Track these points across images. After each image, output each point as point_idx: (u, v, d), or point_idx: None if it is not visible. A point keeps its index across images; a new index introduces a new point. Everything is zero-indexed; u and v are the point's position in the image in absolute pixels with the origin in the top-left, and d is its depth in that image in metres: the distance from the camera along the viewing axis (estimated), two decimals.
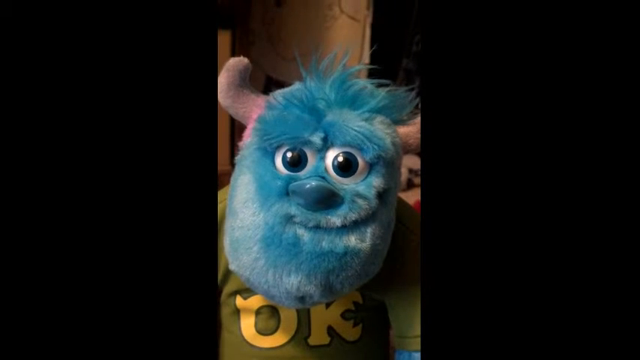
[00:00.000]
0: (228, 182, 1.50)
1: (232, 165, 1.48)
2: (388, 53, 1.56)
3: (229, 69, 0.40)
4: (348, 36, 1.60)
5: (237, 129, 1.25)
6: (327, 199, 0.33)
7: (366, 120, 0.35)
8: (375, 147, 0.34)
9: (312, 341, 0.45)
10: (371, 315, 0.47)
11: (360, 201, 0.34)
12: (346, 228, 0.34)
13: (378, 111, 0.36)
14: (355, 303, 0.45)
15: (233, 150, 1.28)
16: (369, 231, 0.34)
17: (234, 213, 0.37)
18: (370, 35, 1.60)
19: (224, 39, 1.20)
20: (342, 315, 0.45)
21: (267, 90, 1.74)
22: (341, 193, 0.34)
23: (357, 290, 0.41)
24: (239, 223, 0.35)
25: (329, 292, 0.35)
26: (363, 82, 0.39)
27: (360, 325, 0.46)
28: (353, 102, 0.37)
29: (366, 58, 1.64)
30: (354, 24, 1.60)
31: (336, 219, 0.34)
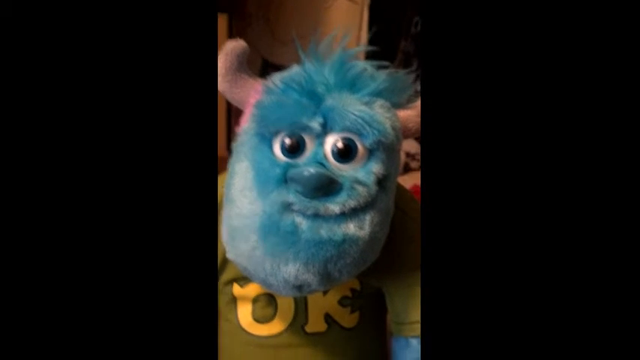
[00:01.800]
0: (225, 168, 1.50)
1: (229, 151, 1.47)
2: (386, 35, 1.54)
3: (227, 53, 0.39)
4: (346, 18, 1.58)
5: (233, 114, 1.24)
6: (325, 187, 0.33)
7: (366, 104, 0.35)
8: (375, 132, 0.34)
9: (309, 328, 0.45)
10: (368, 302, 0.47)
11: (359, 188, 0.34)
12: (345, 215, 0.33)
13: (377, 94, 0.35)
14: (352, 290, 0.45)
15: (230, 135, 1.27)
16: (368, 218, 0.34)
17: (231, 201, 0.36)
18: (368, 17, 1.58)
19: (221, 22, 1.18)
20: (340, 302, 0.45)
21: (263, 73, 1.73)
22: (340, 180, 0.33)
23: (354, 277, 0.41)
24: (237, 211, 0.35)
25: (327, 280, 0.34)
26: (363, 65, 0.38)
27: (358, 312, 0.46)
28: (352, 85, 0.36)
29: (364, 41, 1.62)
30: (352, 6, 1.58)
31: (334, 206, 0.33)
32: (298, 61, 0.39)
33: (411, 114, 0.38)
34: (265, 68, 1.54)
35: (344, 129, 0.34)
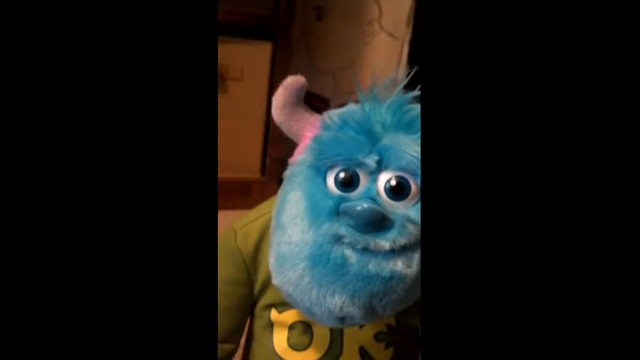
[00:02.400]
0: (258, 191, 1.51)
1: (263, 174, 1.49)
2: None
3: (286, 87, 0.40)
4: (386, 52, 1.61)
5: (270, 140, 1.27)
6: (377, 222, 0.33)
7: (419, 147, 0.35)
8: None
9: None
10: (403, 338, 0.46)
11: (410, 226, 0.34)
12: (394, 252, 0.33)
13: None
14: (388, 325, 0.45)
15: (265, 160, 1.29)
16: (417, 257, 0.34)
17: (282, 228, 0.36)
18: (408, 52, 1.60)
19: (265, 50, 1.21)
20: (375, 336, 0.44)
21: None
22: (391, 217, 0.34)
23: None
24: (287, 239, 0.35)
25: (370, 314, 0.34)
26: (419, 108, 0.38)
27: (392, 348, 0.45)
28: (409, 127, 0.36)
29: (401, 76, 1.63)
30: (393, 41, 1.60)
31: (385, 242, 0.33)
32: (337, 91, 0.41)
33: None
34: (305, 97, 1.57)
35: (399, 168, 0.34)
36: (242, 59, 1.20)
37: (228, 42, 1.16)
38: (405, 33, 1.61)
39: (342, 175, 0.35)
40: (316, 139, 0.37)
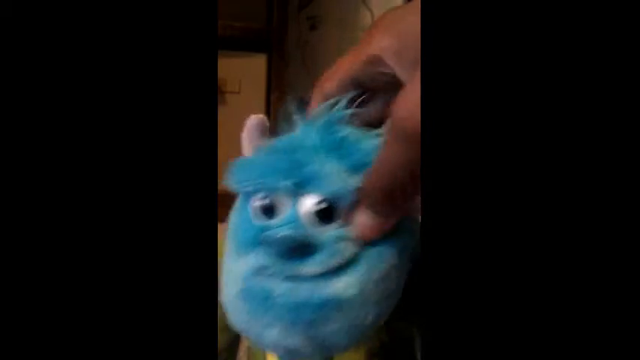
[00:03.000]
0: None
1: None
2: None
3: (248, 129, 0.38)
4: None
5: None
6: (300, 248, 0.31)
7: (347, 171, 0.33)
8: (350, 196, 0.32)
9: None
10: (403, 354, 0.43)
11: (342, 244, 0.32)
12: (329, 275, 0.31)
13: (363, 164, 0.33)
14: (382, 343, 0.42)
15: None
16: (356, 277, 0.32)
17: (224, 265, 0.35)
18: None
19: (260, 62, 1.22)
20: (370, 358, 0.42)
21: (302, 111, 1.74)
22: (318, 241, 0.31)
23: (384, 325, 0.39)
24: (225, 279, 0.34)
25: (320, 346, 0.32)
26: (351, 130, 0.35)
27: None
28: (339, 149, 0.34)
29: None
30: None
31: (314, 267, 0.31)
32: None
33: None
34: (304, 106, 1.57)
35: (324, 192, 0.32)
36: (239, 72, 1.21)
37: (225, 56, 1.17)
38: None
39: (259, 202, 0.33)
40: (234, 163, 0.34)
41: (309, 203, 0.33)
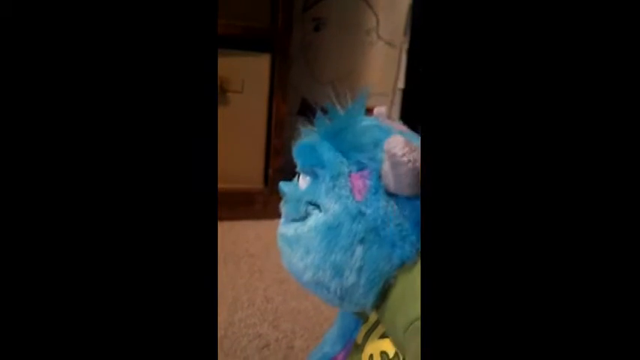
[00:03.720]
0: (261, 201, 1.51)
1: (265, 184, 1.49)
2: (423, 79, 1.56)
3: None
4: (384, 61, 1.62)
5: (272, 150, 1.27)
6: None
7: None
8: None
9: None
10: None
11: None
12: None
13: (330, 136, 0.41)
14: (382, 353, 0.44)
15: (267, 171, 1.30)
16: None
17: None
18: (407, 60, 1.61)
19: (264, 61, 1.23)
20: (380, 355, 0.44)
21: (302, 111, 1.77)
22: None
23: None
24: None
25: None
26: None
27: None
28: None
29: (401, 84, 1.64)
30: (391, 49, 1.62)
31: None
32: (334, 99, 0.42)
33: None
34: (304, 107, 1.58)
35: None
36: (242, 72, 1.21)
37: (228, 55, 1.17)
38: (402, 41, 1.62)
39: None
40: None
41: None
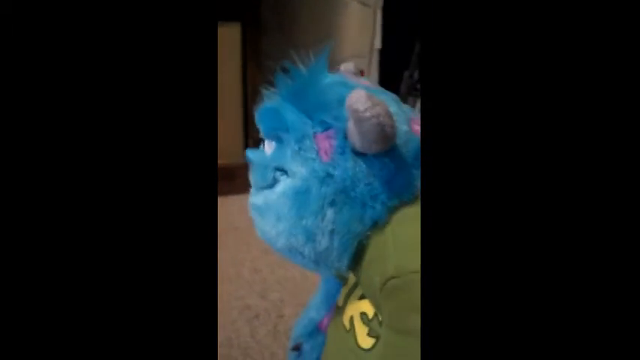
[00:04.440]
0: (241, 175, 1.49)
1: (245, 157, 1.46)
2: (400, 38, 1.54)
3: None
4: (359, 21, 1.59)
5: (250, 121, 1.25)
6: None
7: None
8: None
9: (344, 319, 0.46)
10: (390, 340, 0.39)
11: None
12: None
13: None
14: (362, 313, 0.44)
15: (247, 143, 1.28)
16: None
17: None
18: (382, 19, 1.58)
19: (234, 31, 1.19)
20: (360, 316, 0.44)
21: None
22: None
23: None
24: None
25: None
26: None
27: (374, 340, 0.42)
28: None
29: (378, 44, 1.62)
30: (365, 9, 1.58)
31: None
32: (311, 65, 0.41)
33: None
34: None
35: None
36: None
37: None
38: (376, 0, 1.59)
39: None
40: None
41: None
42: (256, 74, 1.21)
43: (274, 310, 0.85)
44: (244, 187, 1.44)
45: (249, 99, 1.23)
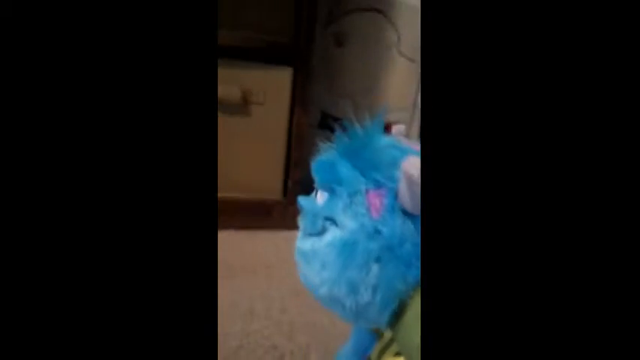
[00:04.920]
0: (279, 212, 1.51)
1: (284, 195, 1.50)
2: None
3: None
4: (405, 76, 1.62)
5: (291, 162, 1.28)
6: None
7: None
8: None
9: None
10: None
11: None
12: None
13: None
14: None
15: (286, 182, 1.31)
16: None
17: None
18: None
19: (286, 75, 1.24)
20: None
21: (322, 125, 1.77)
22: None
23: None
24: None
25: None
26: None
27: None
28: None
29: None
30: (412, 65, 1.62)
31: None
32: (357, 114, 0.43)
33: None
34: (324, 119, 1.59)
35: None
36: (264, 84, 1.23)
37: (251, 67, 1.20)
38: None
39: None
40: None
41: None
42: (302, 118, 1.26)
43: (300, 353, 0.84)
44: (280, 224, 1.46)
45: (292, 140, 1.26)
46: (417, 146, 0.44)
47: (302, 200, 0.44)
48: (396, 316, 0.40)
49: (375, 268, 0.38)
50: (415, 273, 0.37)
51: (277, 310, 0.96)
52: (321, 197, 0.43)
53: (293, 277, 1.07)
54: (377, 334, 0.50)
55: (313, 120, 1.57)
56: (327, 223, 0.41)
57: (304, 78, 1.23)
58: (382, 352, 0.47)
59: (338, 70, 1.55)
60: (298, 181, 1.28)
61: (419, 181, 0.35)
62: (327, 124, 1.52)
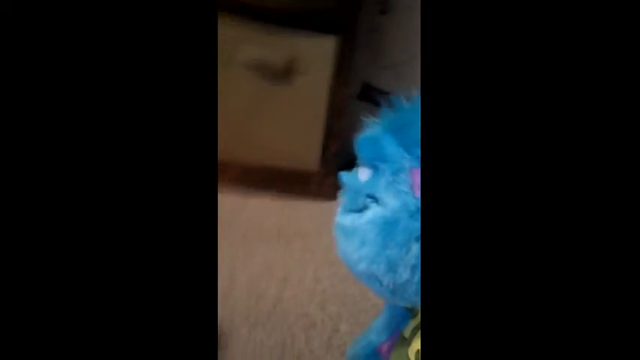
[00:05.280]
0: (316, 182, 1.52)
1: (321, 166, 1.49)
2: None
3: None
4: None
5: (330, 132, 1.27)
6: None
7: None
8: None
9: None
10: None
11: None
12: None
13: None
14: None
15: (324, 152, 1.30)
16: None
17: None
18: None
19: (329, 43, 1.22)
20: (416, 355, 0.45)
21: (363, 95, 1.74)
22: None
23: None
24: None
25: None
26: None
27: None
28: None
29: None
30: None
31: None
32: (398, 85, 0.42)
33: None
34: (365, 90, 1.57)
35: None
36: (307, 52, 1.21)
37: (294, 35, 1.18)
38: None
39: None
40: None
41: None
42: (343, 88, 1.24)
43: (331, 323, 0.86)
44: (316, 194, 1.46)
45: (332, 110, 1.25)
46: None
47: (344, 176, 0.44)
48: None
49: (415, 247, 0.37)
50: None
51: (310, 279, 0.97)
52: (363, 173, 0.42)
53: (327, 248, 1.09)
54: (411, 312, 0.50)
55: (353, 91, 1.55)
56: (369, 201, 0.40)
57: (348, 47, 1.20)
58: (416, 329, 0.47)
59: (381, 39, 1.51)
60: (336, 152, 1.27)
61: None
62: (368, 95, 1.50)
